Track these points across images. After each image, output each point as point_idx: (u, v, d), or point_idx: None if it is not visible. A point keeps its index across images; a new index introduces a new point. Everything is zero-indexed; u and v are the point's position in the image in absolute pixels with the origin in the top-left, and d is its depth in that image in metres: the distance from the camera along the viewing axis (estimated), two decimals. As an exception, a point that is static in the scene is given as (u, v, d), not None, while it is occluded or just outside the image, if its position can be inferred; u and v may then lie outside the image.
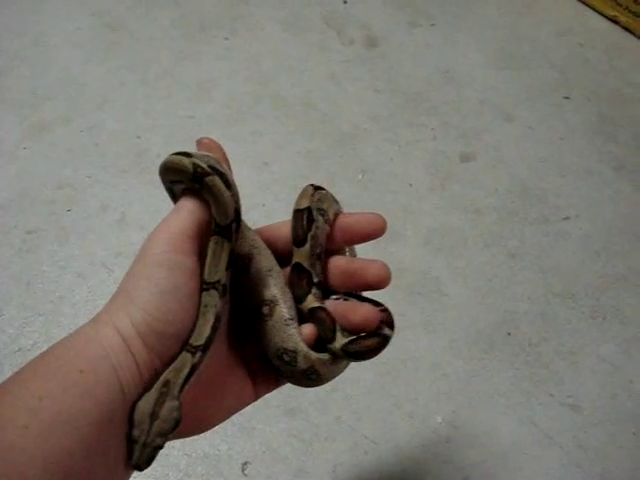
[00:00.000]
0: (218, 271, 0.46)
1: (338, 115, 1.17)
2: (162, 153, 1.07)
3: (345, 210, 1.01)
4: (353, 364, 0.54)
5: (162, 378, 0.42)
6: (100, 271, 0.95)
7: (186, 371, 0.42)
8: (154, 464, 0.77)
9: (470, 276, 0.97)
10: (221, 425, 0.80)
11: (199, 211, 0.47)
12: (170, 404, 0.41)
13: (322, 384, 0.53)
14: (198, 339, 0.43)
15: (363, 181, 1.07)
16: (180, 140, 1.11)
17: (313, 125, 1.15)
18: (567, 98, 1.21)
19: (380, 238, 0.97)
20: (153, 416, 0.40)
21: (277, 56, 1.25)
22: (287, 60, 1.25)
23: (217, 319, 0.45)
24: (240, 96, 1.19)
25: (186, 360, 0.42)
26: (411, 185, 1.07)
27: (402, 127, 1.15)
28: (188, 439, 0.79)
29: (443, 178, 1.08)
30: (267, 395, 0.83)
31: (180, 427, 0.45)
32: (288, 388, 0.84)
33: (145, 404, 0.41)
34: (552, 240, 1.01)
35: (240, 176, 1.08)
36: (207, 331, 0.44)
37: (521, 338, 0.91)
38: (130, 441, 0.40)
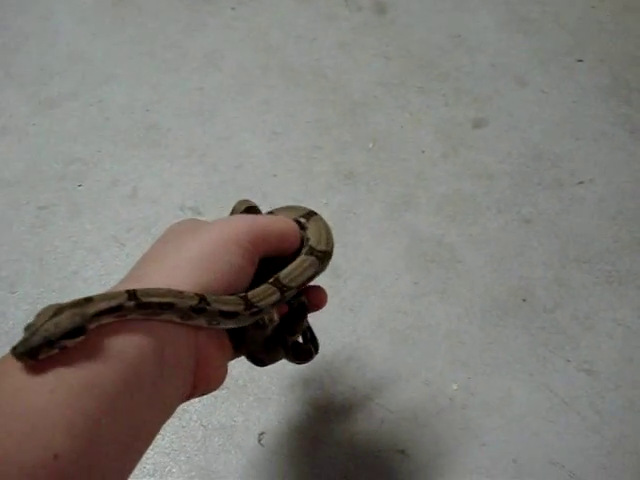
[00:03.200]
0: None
1: (348, 83, 1.15)
2: (172, 126, 1.08)
3: (357, 179, 1.01)
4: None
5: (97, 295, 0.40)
6: (112, 245, 0.95)
7: (114, 302, 0.39)
8: (171, 435, 0.78)
9: (484, 242, 0.96)
10: (236, 396, 0.81)
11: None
12: (79, 311, 0.38)
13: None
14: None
15: (374, 149, 1.06)
16: (190, 112, 1.11)
17: (323, 94, 1.14)
18: (580, 61, 1.19)
19: (393, 206, 0.97)
20: (57, 312, 0.38)
21: (285, 25, 1.24)
22: (295, 29, 1.23)
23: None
24: (248, 66, 1.18)
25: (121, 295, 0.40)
26: (423, 152, 1.06)
27: (413, 94, 1.14)
28: (204, 411, 0.79)
29: (456, 144, 1.07)
30: (282, 366, 0.84)
31: (200, 386, 0.46)
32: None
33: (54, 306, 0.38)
34: (567, 205, 1.00)
35: (250, 147, 1.08)
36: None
37: (536, 304, 0.91)
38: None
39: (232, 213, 0.60)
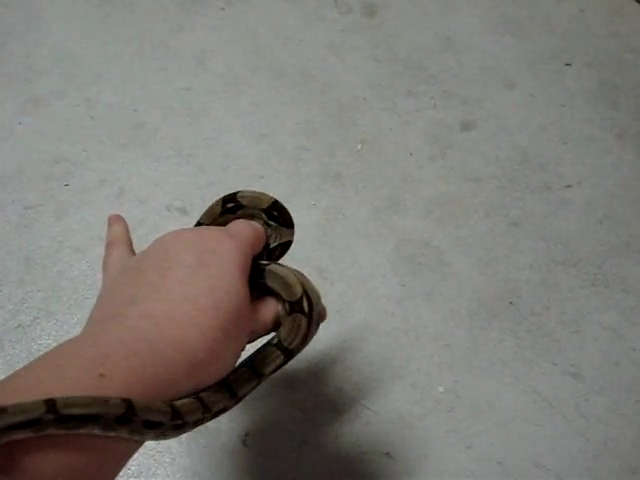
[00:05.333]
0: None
1: (336, 85, 1.15)
2: (160, 126, 1.08)
3: (344, 181, 1.01)
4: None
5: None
6: (99, 245, 0.94)
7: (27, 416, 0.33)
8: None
9: (471, 245, 0.96)
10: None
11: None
12: None
13: None
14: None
15: (362, 151, 1.06)
16: (178, 112, 1.10)
17: (311, 96, 1.14)
18: (568, 65, 1.19)
19: (381, 208, 0.97)
20: None
21: (274, 26, 1.23)
22: (284, 30, 1.23)
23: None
24: (237, 67, 1.17)
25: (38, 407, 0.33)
26: (411, 154, 1.06)
27: (401, 96, 1.14)
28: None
29: (443, 147, 1.07)
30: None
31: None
32: (291, 363, 0.84)
33: None
34: (554, 208, 1.01)
35: (238, 148, 1.08)
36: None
37: (523, 307, 0.91)
38: None
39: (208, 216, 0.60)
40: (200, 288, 0.44)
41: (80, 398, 0.35)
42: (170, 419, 0.39)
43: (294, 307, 0.51)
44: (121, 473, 0.75)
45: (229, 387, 0.45)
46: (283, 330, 0.51)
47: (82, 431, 0.35)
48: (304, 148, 1.06)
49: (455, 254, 0.95)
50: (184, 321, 0.42)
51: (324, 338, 0.86)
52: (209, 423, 0.77)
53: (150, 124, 1.09)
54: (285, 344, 0.50)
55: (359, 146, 1.07)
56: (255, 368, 0.48)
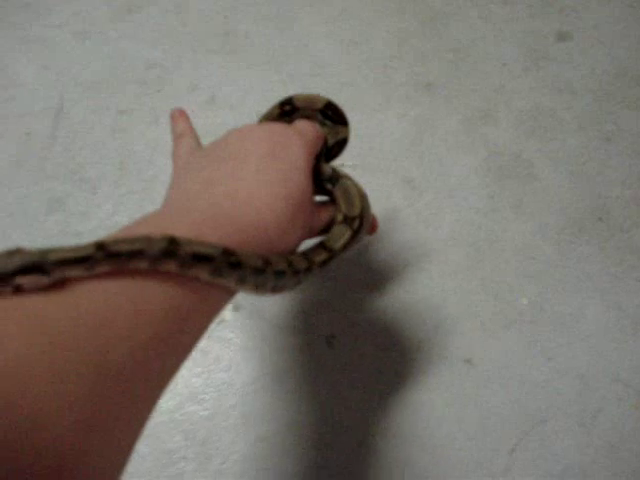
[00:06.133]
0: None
1: (429, -8, 1.13)
2: (250, 32, 1.07)
3: (435, 90, 1.00)
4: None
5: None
6: (191, 150, 0.97)
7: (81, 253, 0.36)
8: (243, 335, 0.80)
9: (562, 159, 0.94)
10: (307, 300, 0.83)
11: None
12: (39, 253, 0.35)
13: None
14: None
15: (455, 60, 1.04)
16: (268, 19, 1.10)
17: (403, 2, 1.12)
18: (675, -28, 1.14)
19: (472, 119, 0.95)
20: (15, 252, 0.35)
21: None
22: None
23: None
24: (328, -27, 1.16)
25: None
26: (504, 65, 1.03)
27: (496, 4, 1.11)
28: (277, 312, 0.82)
29: (538, 58, 1.04)
30: (356, 275, 0.85)
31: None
32: (377, 269, 0.86)
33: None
34: (650, 124, 0.98)
35: (328, 55, 1.07)
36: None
37: (612, 223, 0.89)
38: None
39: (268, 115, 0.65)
40: (274, 177, 0.48)
41: (125, 237, 0.37)
42: (222, 254, 0.40)
43: (346, 220, 0.57)
44: (212, 366, 0.78)
45: (286, 258, 0.49)
46: (329, 233, 0.57)
47: (130, 265, 0.37)
48: (395, 56, 1.05)
49: (545, 167, 0.94)
50: (261, 205, 0.46)
51: (409, 247, 0.87)
52: (297, 323, 0.80)
53: (241, 31, 1.10)
54: (328, 244, 0.55)
55: (451, 55, 1.05)
56: (306, 255, 0.53)
